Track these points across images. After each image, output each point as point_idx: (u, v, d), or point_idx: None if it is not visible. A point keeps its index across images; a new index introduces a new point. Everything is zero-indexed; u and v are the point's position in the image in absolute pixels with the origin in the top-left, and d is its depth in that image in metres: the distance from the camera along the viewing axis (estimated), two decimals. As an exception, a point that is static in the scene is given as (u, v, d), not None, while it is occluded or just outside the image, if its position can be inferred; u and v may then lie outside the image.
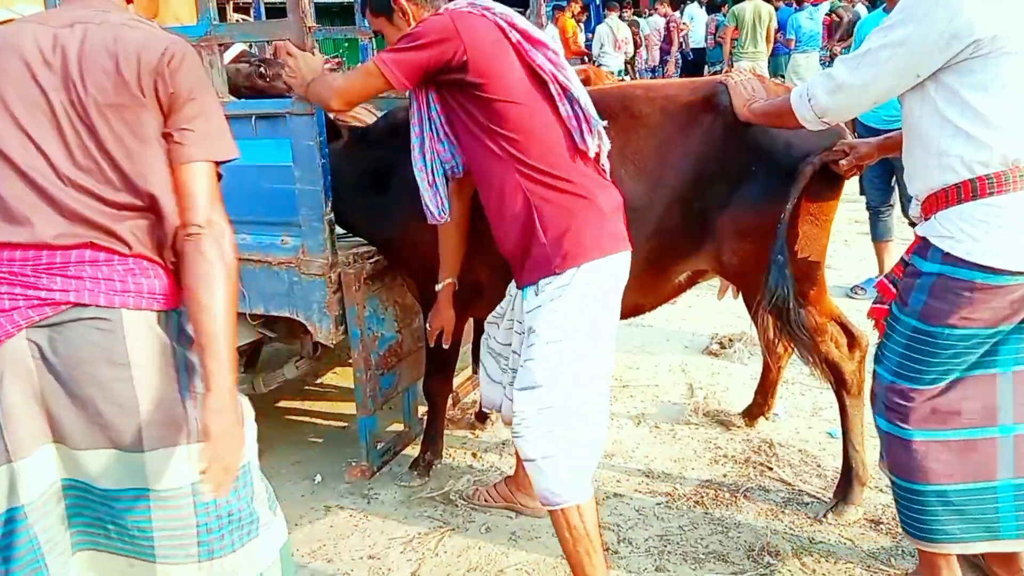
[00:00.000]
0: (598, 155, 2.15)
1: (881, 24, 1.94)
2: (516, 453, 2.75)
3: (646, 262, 2.29)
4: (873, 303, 2.24)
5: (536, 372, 2.04)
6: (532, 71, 2.07)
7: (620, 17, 12.27)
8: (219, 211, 1.55)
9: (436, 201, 2.30)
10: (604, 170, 2.20)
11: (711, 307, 4.68)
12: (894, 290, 2.13)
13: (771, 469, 3.01)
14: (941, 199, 1.95)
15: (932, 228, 1.98)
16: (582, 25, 12.46)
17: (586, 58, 11.10)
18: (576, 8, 11.67)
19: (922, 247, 2.01)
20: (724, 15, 10.91)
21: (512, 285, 2.35)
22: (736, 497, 2.84)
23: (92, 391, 1.47)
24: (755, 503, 2.81)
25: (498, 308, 2.47)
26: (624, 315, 2.37)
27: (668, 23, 12.96)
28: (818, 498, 2.81)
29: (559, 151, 2.08)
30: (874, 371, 2.14)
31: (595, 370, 2.11)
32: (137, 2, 1.74)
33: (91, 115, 1.47)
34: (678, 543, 2.60)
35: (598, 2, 13.83)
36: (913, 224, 2.24)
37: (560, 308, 2.04)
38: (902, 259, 2.13)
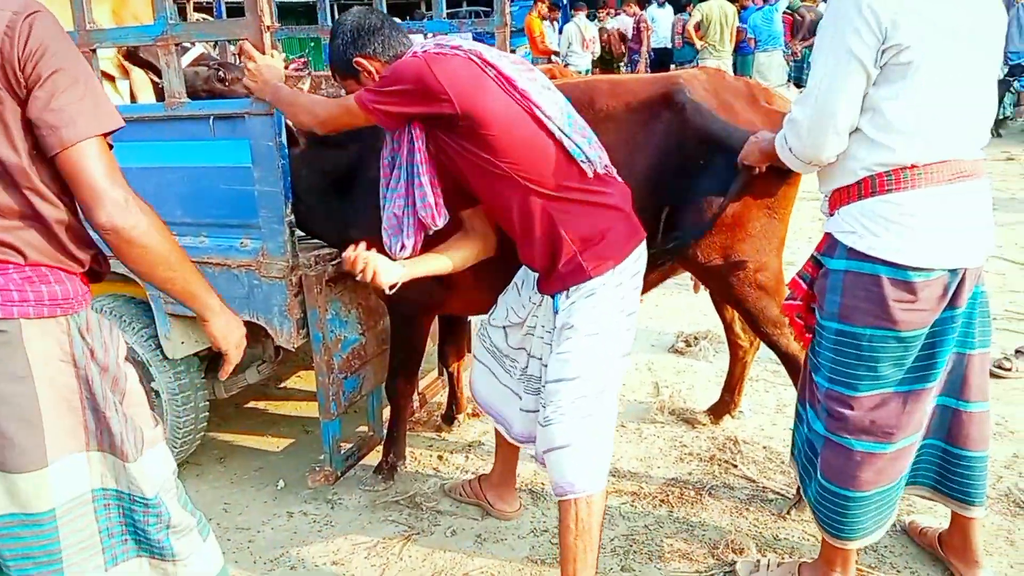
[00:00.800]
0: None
1: (817, 51, 1.92)
2: (496, 455, 2.75)
3: None
4: (785, 299, 2.26)
5: (573, 363, 2.08)
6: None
7: (588, 17, 12.31)
8: (119, 185, 1.45)
9: (398, 244, 2.23)
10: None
11: (677, 305, 4.71)
12: (805, 286, 2.16)
13: (736, 466, 3.02)
14: (843, 195, 1.98)
15: (836, 224, 2.01)
16: (555, 24, 12.50)
17: (554, 57, 11.11)
18: (543, 8, 11.69)
19: (830, 245, 2.04)
20: (689, 14, 10.97)
21: (527, 294, 2.32)
22: (701, 495, 2.85)
23: None
24: (720, 501, 2.82)
25: (506, 314, 2.40)
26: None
27: (637, 22, 13.02)
28: (782, 494, 2.83)
29: (563, 165, 2.08)
30: (813, 378, 2.16)
31: (619, 366, 2.18)
32: None
33: None
34: (643, 543, 2.61)
35: (565, 1, 13.86)
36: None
37: (598, 304, 2.09)
38: (812, 255, 2.15)
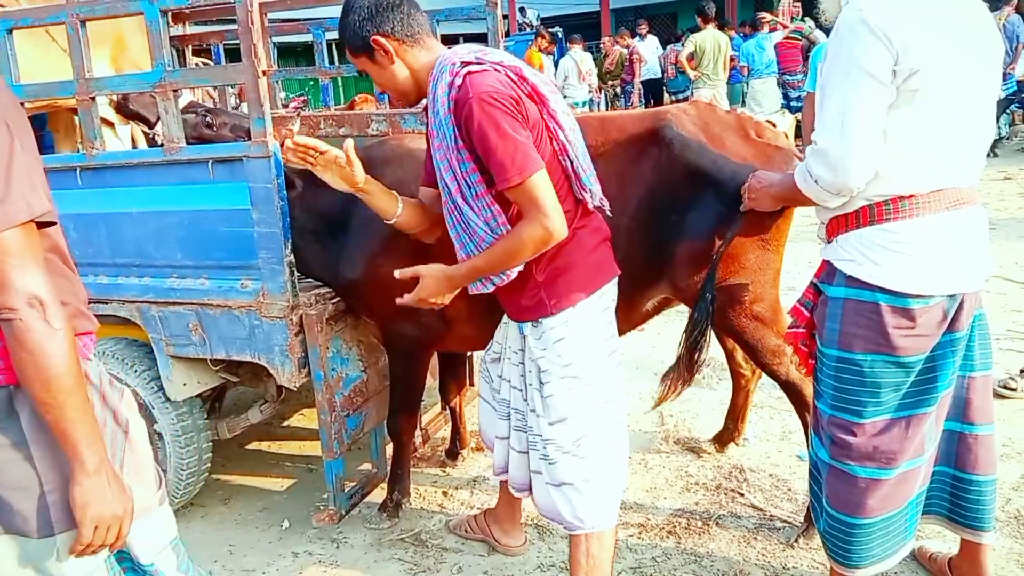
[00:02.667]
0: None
1: (830, 74, 1.88)
2: (501, 488, 2.73)
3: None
4: (788, 328, 2.26)
5: (559, 407, 2.08)
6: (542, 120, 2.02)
7: (586, 50, 12.47)
8: (32, 280, 1.27)
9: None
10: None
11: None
12: (807, 313, 2.16)
13: (742, 495, 3.00)
14: (841, 223, 1.99)
15: (835, 252, 2.01)
16: (552, 58, 12.65)
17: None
18: (544, 42, 11.85)
19: (828, 272, 2.04)
20: (682, 44, 11.08)
21: (503, 323, 2.33)
22: (708, 525, 2.83)
23: None
24: (727, 530, 2.80)
25: (494, 348, 2.42)
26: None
27: (631, 54, 13.16)
28: (789, 522, 2.80)
29: (566, 194, 2.05)
30: (815, 406, 2.16)
31: (611, 397, 2.16)
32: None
33: None
34: (651, 575, 2.58)
35: (560, 35, 14.05)
36: None
37: (566, 345, 2.07)
38: (812, 282, 2.16)
